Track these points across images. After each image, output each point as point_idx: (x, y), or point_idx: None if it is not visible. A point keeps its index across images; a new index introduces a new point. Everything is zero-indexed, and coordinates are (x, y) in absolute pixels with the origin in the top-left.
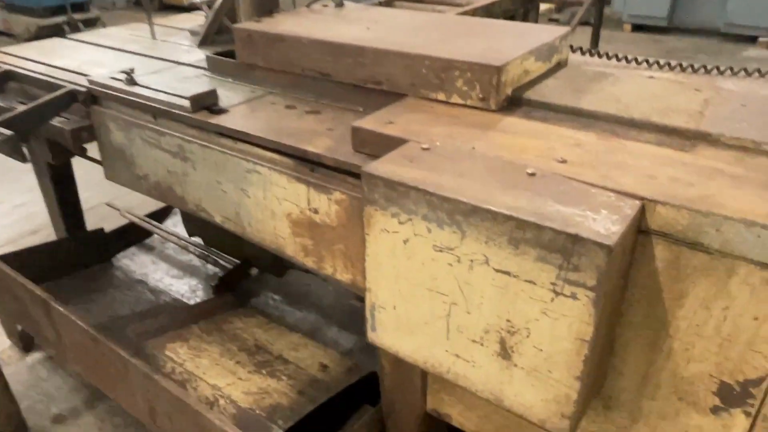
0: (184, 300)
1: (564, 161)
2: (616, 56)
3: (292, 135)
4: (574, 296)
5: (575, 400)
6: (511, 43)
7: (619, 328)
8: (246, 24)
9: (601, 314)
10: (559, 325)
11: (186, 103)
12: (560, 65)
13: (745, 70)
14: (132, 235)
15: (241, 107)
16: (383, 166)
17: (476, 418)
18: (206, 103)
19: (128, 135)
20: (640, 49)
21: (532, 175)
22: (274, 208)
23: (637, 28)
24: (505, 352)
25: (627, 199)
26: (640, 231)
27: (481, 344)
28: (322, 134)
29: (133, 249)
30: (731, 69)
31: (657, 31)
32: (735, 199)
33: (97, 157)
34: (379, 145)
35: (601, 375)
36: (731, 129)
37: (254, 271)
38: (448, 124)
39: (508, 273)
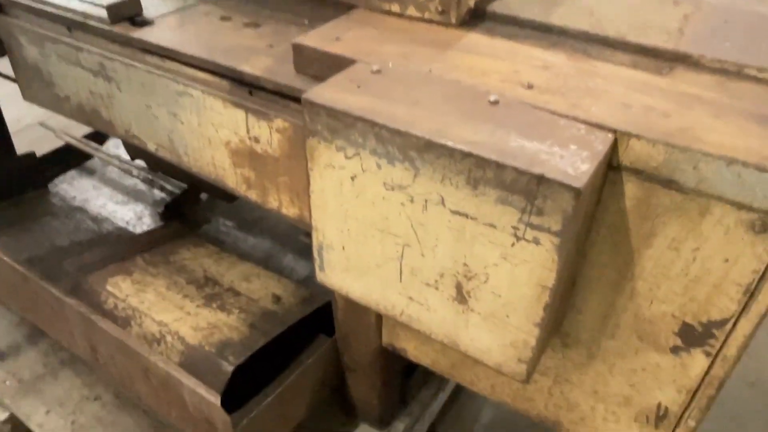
0: (129, 228)
1: (530, 87)
2: None
3: (227, 52)
4: (536, 241)
5: (533, 346)
6: None
7: (582, 267)
8: None
9: (565, 260)
10: (520, 271)
11: (103, 13)
12: None
13: None
14: (70, 158)
15: (169, 18)
16: (326, 92)
17: (433, 353)
18: (127, 12)
19: (42, 50)
20: None
21: (495, 103)
22: (211, 135)
23: None
24: (461, 297)
25: (598, 132)
26: (610, 166)
27: (436, 288)
28: (261, 52)
29: (72, 173)
30: None
31: None
32: (715, 132)
33: (11, 73)
34: (324, 65)
35: (560, 313)
36: (713, 50)
37: (204, 195)
38: (403, 42)
39: (465, 215)
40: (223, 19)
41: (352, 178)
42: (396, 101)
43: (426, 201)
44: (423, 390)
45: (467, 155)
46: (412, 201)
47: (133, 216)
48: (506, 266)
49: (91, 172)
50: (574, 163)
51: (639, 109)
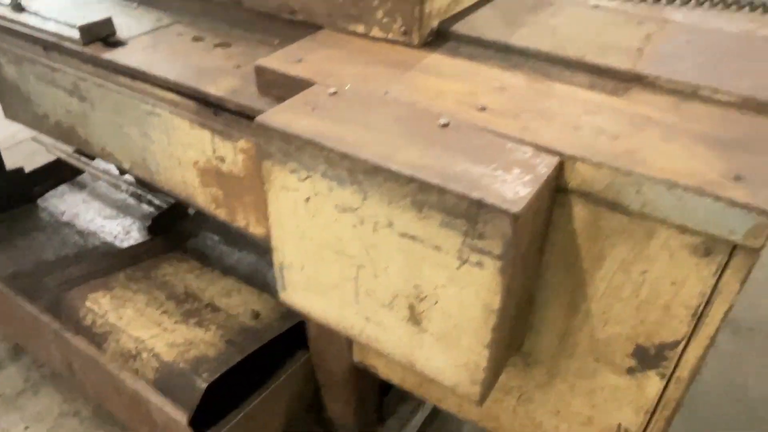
0: (116, 243)
1: (484, 109)
2: None
3: (195, 73)
4: (480, 265)
5: (485, 368)
6: None
7: (539, 287)
8: None
9: (510, 282)
10: (467, 294)
11: (75, 34)
12: None
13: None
14: (61, 173)
15: (142, 39)
16: (280, 115)
17: (401, 371)
18: (100, 33)
19: (20, 70)
20: None
21: (446, 126)
22: (180, 155)
23: None
24: (414, 318)
25: (544, 156)
26: (559, 189)
27: (391, 309)
28: (228, 72)
29: (63, 188)
30: None
31: None
32: (662, 155)
33: None
34: (286, 87)
35: (520, 332)
36: (669, 70)
37: (192, 210)
38: (364, 63)
39: (413, 238)
40: (195, 39)
41: (306, 200)
42: (348, 124)
43: (375, 223)
44: (401, 406)
45: (411, 179)
46: (362, 223)
47: (121, 230)
48: (454, 289)
49: (82, 187)
50: (514, 188)
51: (589, 132)
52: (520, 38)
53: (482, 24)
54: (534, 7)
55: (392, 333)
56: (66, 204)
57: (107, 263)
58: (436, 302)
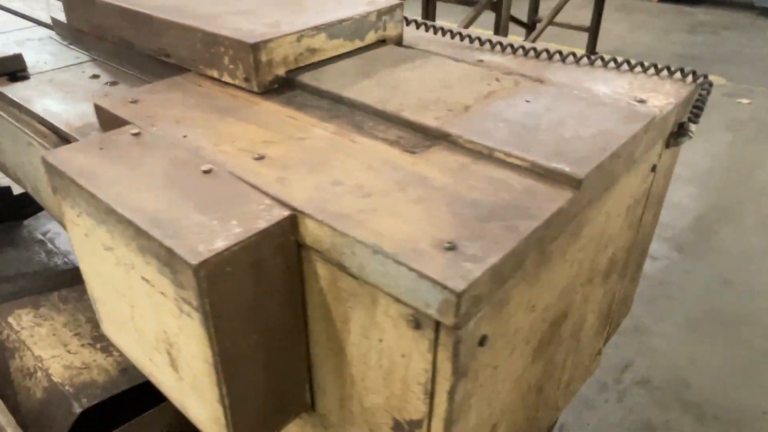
0: (76, 263)
1: (262, 158)
2: (460, 34)
3: (67, 108)
4: (189, 316)
5: (226, 424)
6: (308, 16)
7: (312, 346)
8: None
9: (224, 338)
10: (191, 344)
11: None
12: (385, 42)
13: (589, 56)
14: None
15: (48, 74)
16: (64, 153)
17: None
18: (8, 68)
19: None
20: (661, 21)
21: (207, 172)
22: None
23: None
24: (173, 364)
25: (278, 209)
26: (302, 245)
27: (159, 352)
28: None
29: None
30: (574, 55)
31: (686, 2)
32: (395, 218)
33: None
34: (116, 126)
35: (298, 392)
36: (477, 130)
37: None
38: (195, 107)
39: (148, 281)
40: (93, 77)
41: (86, 236)
42: (119, 165)
43: (125, 265)
44: None
45: (130, 223)
46: (117, 263)
47: None
48: (183, 337)
49: None
50: (215, 240)
51: (345, 188)
52: (354, 90)
53: (329, 75)
54: (398, 61)
55: (166, 376)
56: (53, 224)
57: (51, 282)
58: (180, 350)
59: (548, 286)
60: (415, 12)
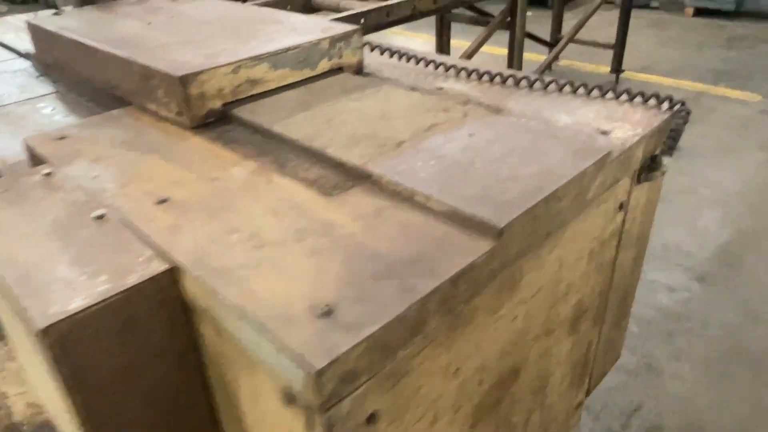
0: None
1: (164, 201)
2: (425, 59)
3: (13, 140)
4: (55, 380)
5: None
6: (253, 45)
7: (216, 411)
8: (35, 19)
9: (93, 403)
10: (67, 412)
11: None
12: (342, 70)
13: (557, 81)
14: None
15: (8, 108)
16: None
17: None
18: None
19: None
20: (695, 35)
21: (99, 218)
22: None
23: (700, 12)
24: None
25: (157, 263)
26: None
27: (60, 415)
28: None
29: None
30: (541, 81)
31: (722, 15)
32: (280, 273)
33: None
34: (36, 163)
35: None
36: (401, 170)
37: None
38: (123, 144)
39: (25, 341)
40: (51, 111)
41: None
42: (14, 209)
43: (9, 322)
44: None
45: (2, 277)
46: (8, 318)
47: None
48: (61, 403)
49: None
50: (72, 299)
51: (238, 238)
52: (284, 125)
53: (266, 108)
54: (346, 91)
55: None
56: None
57: None
58: (65, 417)
59: (477, 347)
60: (430, 32)
